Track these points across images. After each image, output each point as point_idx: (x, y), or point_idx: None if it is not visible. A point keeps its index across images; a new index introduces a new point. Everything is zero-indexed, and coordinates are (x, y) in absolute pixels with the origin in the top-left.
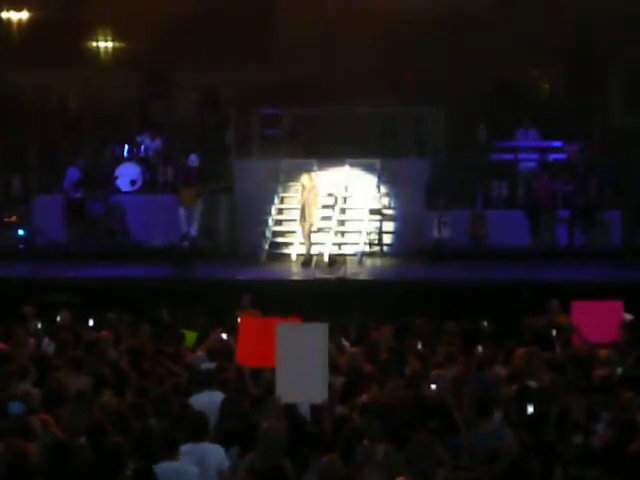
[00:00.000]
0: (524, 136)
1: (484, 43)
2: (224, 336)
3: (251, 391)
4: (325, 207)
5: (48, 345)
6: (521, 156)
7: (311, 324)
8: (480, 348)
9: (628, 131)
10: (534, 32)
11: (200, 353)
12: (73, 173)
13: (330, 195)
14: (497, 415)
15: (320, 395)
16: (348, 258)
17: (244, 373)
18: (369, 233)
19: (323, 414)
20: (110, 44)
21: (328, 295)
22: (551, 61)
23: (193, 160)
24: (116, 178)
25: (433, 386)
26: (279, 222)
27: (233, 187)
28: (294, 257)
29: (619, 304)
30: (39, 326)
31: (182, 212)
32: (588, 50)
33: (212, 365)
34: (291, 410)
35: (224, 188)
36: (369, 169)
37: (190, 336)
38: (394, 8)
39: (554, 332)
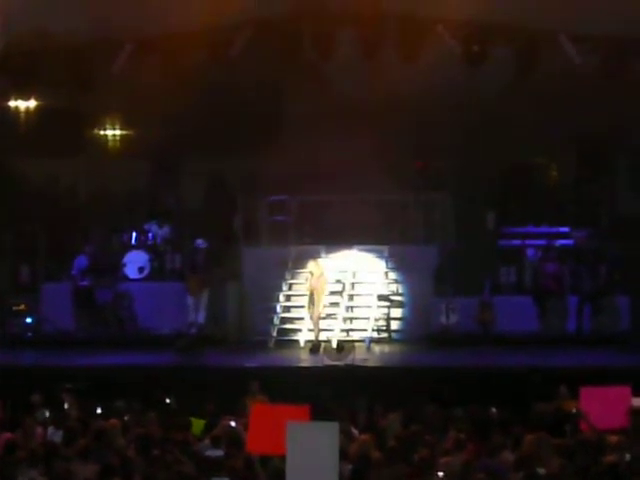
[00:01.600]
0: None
1: (492, 130)
2: (233, 423)
3: (259, 478)
4: (333, 293)
5: (54, 434)
6: (528, 242)
7: (321, 423)
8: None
9: (636, 217)
10: (543, 120)
11: (208, 441)
12: (81, 261)
13: (338, 282)
14: None
15: None
16: (356, 344)
17: (253, 460)
18: (377, 319)
19: None
20: (118, 132)
21: (336, 381)
22: (559, 148)
23: (200, 244)
24: (124, 265)
25: (440, 474)
26: (287, 309)
27: (240, 274)
28: (302, 343)
29: (627, 389)
30: (47, 415)
31: (189, 300)
32: (596, 138)
33: (220, 452)
34: None
35: (230, 274)
36: (377, 255)
37: (198, 424)
38: (401, 95)
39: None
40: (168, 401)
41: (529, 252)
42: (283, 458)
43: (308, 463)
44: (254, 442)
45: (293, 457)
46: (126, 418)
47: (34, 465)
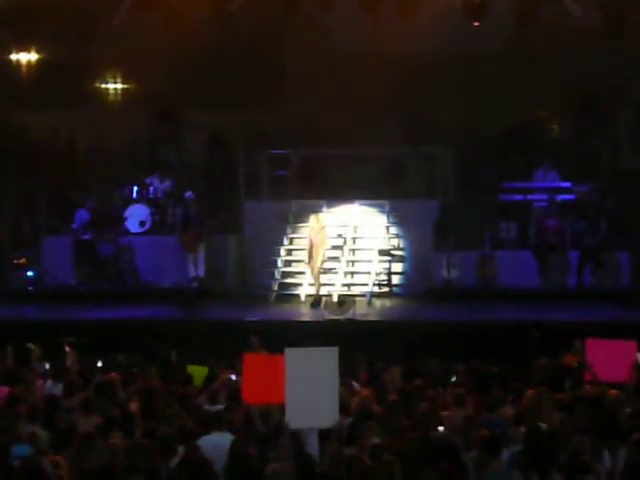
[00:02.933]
0: (543, 177)
1: (493, 84)
2: (233, 377)
3: (259, 431)
4: (334, 248)
5: (52, 387)
6: (530, 197)
7: (321, 348)
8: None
9: (637, 172)
10: (544, 75)
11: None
12: (82, 214)
13: (339, 236)
14: (505, 455)
15: (331, 419)
16: (357, 299)
17: (252, 413)
18: (378, 274)
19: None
20: (119, 85)
21: (337, 336)
22: (560, 102)
23: (189, 195)
24: (125, 219)
25: (441, 428)
26: (288, 263)
27: (241, 228)
28: (303, 298)
29: (632, 344)
30: (47, 367)
31: (188, 256)
32: (597, 92)
33: (220, 406)
34: (300, 451)
35: (225, 226)
36: (378, 210)
37: (199, 372)
38: (402, 50)
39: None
40: (169, 355)
41: (533, 205)
42: (282, 410)
43: (308, 389)
44: (250, 393)
45: (293, 383)
46: (130, 371)
47: (34, 419)
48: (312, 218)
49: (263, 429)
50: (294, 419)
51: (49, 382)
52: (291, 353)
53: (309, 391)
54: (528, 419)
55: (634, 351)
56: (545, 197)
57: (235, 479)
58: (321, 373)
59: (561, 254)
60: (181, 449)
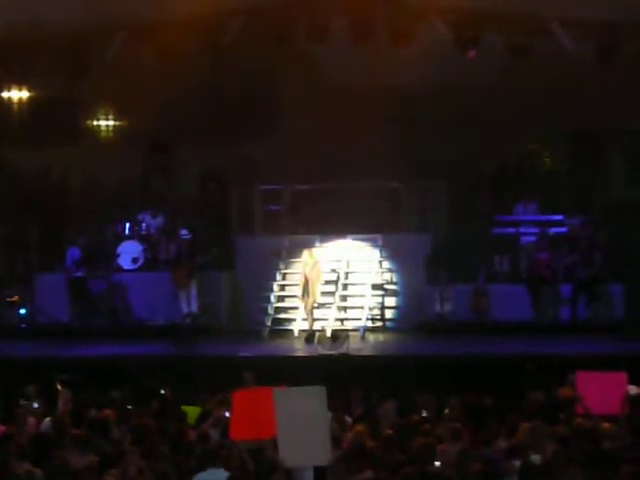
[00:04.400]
0: (523, 210)
1: (487, 117)
2: (227, 414)
3: (249, 468)
4: (327, 283)
5: (49, 425)
6: (522, 230)
7: (308, 387)
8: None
9: (629, 204)
10: (537, 107)
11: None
12: (74, 252)
13: (332, 271)
14: None
15: (324, 457)
16: (351, 334)
17: (242, 451)
18: (371, 308)
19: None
20: (111, 122)
21: (331, 371)
22: (553, 135)
23: (184, 234)
24: (118, 256)
25: (437, 463)
26: (281, 298)
27: (234, 263)
28: (297, 333)
29: (623, 376)
30: (35, 406)
31: (180, 293)
32: (589, 124)
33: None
34: None
35: (213, 258)
36: (371, 244)
37: (192, 412)
38: (396, 83)
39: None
40: (163, 392)
41: (523, 240)
42: (274, 446)
43: (299, 428)
44: (238, 429)
45: (283, 423)
46: (124, 408)
47: (25, 457)
48: (305, 253)
49: (254, 466)
50: (287, 457)
51: (47, 420)
52: (280, 394)
53: (300, 430)
54: (522, 452)
55: (625, 382)
56: (537, 230)
57: None
58: (310, 412)
59: (553, 287)
60: None
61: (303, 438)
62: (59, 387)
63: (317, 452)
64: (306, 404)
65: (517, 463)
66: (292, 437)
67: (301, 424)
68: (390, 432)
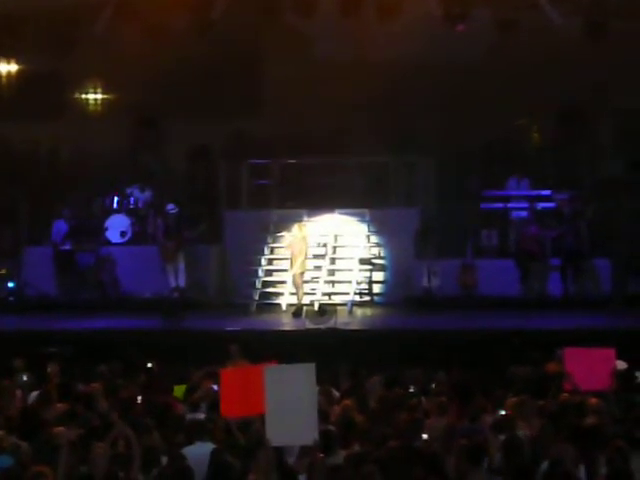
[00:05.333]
0: (516, 186)
1: (475, 93)
2: (214, 387)
3: (240, 442)
4: (315, 257)
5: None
6: (511, 205)
7: (297, 365)
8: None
9: (616, 179)
10: (525, 83)
11: (187, 405)
12: (60, 225)
13: (320, 245)
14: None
15: (310, 436)
16: (338, 308)
17: (231, 424)
18: (359, 283)
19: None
20: (99, 95)
21: (318, 345)
22: (540, 111)
23: (171, 208)
24: (106, 229)
25: (425, 436)
26: (269, 272)
27: (222, 237)
28: (284, 307)
29: (611, 352)
30: (25, 379)
31: (167, 267)
32: (577, 99)
33: (202, 415)
34: (281, 461)
35: (201, 233)
36: (358, 219)
37: (179, 390)
38: (384, 58)
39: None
40: (150, 365)
41: (512, 215)
42: (262, 420)
43: (287, 407)
44: (228, 406)
45: (272, 401)
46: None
47: (13, 430)
48: (295, 227)
49: (243, 441)
50: (274, 436)
51: (34, 393)
52: (269, 371)
53: (288, 408)
54: (509, 427)
55: (613, 358)
56: (525, 205)
57: None
58: (299, 389)
59: (541, 262)
60: (164, 459)
61: (291, 416)
62: (47, 360)
63: (304, 431)
64: (295, 381)
65: (502, 437)
66: (280, 415)
67: (289, 401)
68: (377, 406)
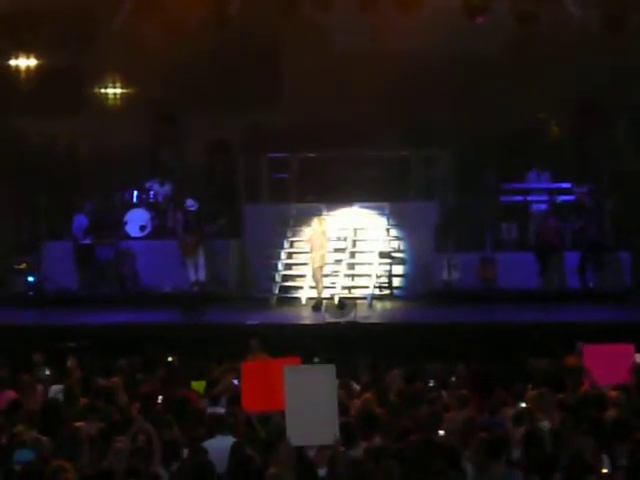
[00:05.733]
0: (536, 179)
1: (493, 85)
2: (235, 382)
3: (260, 435)
4: (335, 250)
5: (57, 392)
6: (531, 198)
7: (318, 365)
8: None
9: (636, 174)
10: (544, 76)
11: (208, 399)
12: (81, 220)
13: (340, 239)
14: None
15: (330, 436)
16: (358, 302)
17: (252, 418)
18: (379, 276)
19: (334, 453)
20: (118, 90)
21: (338, 339)
22: (560, 104)
23: (191, 204)
24: (125, 224)
25: (441, 432)
26: (289, 266)
27: (242, 232)
28: (304, 301)
29: (630, 347)
30: (47, 373)
31: (187, 261)
32: (596, 93)
33: (222, 409)
34: (301, 454)
35: (224, 230)
36: (378, 212)
37: (199, 385)
38: (403, 50)
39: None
40: (170, 359)
41: (532, 208)
42: (282, 414)
43: (307, 407)
44: (250, 401)
45: (292, 402)
46: (132, 376)
47: (34, 425)
48: (315, 221)
49: (264, 434)
50: (295, 436)
51: (54, 387)
52: (289, 371)
53: (308, 408)
54: (529, 420)
55: (632, 353)
56: (545, 198)
57: None
58: (319, 390)
59: (561, 255)
60: (185, 453)
61: (311, 416)
62: (68, 355)
63: (324, 431)
64: (315, 382)
65: (521, 430)
66: (300, 415)
67: (309, 402)
68: (397, 399)
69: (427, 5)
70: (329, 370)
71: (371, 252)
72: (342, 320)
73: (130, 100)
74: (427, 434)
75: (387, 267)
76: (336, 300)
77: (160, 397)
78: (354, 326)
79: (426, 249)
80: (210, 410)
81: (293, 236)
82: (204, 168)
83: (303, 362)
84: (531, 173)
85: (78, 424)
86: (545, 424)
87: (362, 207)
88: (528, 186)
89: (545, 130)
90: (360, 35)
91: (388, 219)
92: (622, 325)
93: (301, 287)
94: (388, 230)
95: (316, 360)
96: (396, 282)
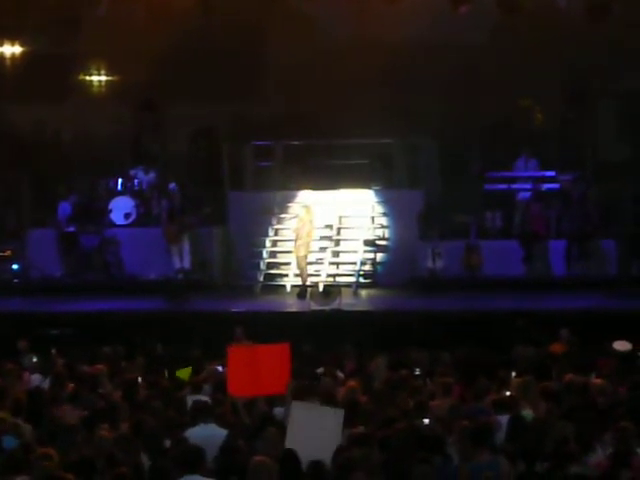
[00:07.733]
0: (524, 166)
1: (478, 74)
2: (219, 369)
3: (245, 422)
4: (320, 238)
5: (41, 380)
6: (515, 186)
7: (327, 408)
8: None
9: (620, 161)
10: (528, 65)
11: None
12: (64, 207)
13: (324, 227)
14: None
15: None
16: (343, 289)
17: (238, 405)
18: (363, 264)
19: None
20: (103, 77)
21: (323, 326)
22: (544, 92)
23: (172, 187)
24: (110, 211)
25: (426, 420)
26: (273, 254)
27: (226, 219)
28: (289, 289)
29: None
30: (34, 360)
31: (171, 248)
32: (581, 82)
33: (207, 397)
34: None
35: (209, 217)
36: (363, 200)
37: (184, 373)
38: (387, 39)
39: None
40: (154, 347)
41: (517, 195)
42: (267, 400)
43: (308, 441)
44: (235, 385)
45: (294, 434)
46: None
47: (19, 412)
48: (300, 209)
49: (249, 420)
50: None
51: (35, 375)
52: (297, 407)
53: (308, 444)
54: (512, 407)
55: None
56: (529, 186)
57: (227, 471)
58: (324, 432)
59: (545, 243)
60: (167, 442)
61: (309, 450)
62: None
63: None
64: (322, 424)
65: (504, 418)
66: (298, 447)
67: (310, 438)
68: (381, 387)
69: None
70: (337, 415)
71: (356, 240)
72: (327, 308)
73: (114, 88)
74: (412, 422)
75: (372, 255)
76: (321, 288)
77: (143, 384)
78: (339, 314)
79: (411, 237)
80: (193, 398)
81: (277, 224)
82: (188, 156)
83: (291, 349)
84: (519, 160)
85: (62, 410)
86: (528, 412)
87: (346, 195)
88: (513, 174)
89: (529, 118)
90: (344, 23)
91: (373, 207)
92: (606, 313)
93: (286, 275)
94: (373, 218)
95: (306, 348)
96: (381, 270)
